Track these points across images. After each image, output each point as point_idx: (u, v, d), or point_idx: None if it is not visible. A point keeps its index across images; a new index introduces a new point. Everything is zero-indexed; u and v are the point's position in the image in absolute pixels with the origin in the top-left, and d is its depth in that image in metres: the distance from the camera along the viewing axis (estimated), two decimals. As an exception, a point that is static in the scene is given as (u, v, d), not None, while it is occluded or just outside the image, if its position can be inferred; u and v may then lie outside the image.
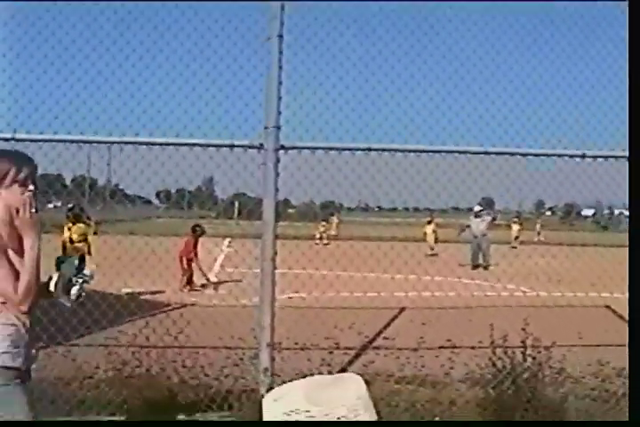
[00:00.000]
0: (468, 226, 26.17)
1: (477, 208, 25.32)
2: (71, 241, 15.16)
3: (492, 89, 7.76)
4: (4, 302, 3.77)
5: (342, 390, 2.66)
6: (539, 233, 44.31)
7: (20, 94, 6.83)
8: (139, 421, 6.67)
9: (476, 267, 25.26)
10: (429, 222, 30.56)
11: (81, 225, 15.53)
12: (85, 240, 15.48)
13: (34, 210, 3.82)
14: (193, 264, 18.24)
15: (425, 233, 30.79)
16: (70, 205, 16.28)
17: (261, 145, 6.58)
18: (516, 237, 38.55)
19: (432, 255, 28.55)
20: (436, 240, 30.66)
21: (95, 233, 16.35)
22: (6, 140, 6.58)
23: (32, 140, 6.66)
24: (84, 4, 6.95)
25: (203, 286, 18.34)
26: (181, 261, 17.94)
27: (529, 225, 43.91)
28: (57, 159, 6.93)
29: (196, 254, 18.32)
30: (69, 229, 15.44)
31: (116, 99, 6.92)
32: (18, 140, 6.60)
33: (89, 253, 15.28)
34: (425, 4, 7.47)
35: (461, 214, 26.42)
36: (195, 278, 18.36)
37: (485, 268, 25.01)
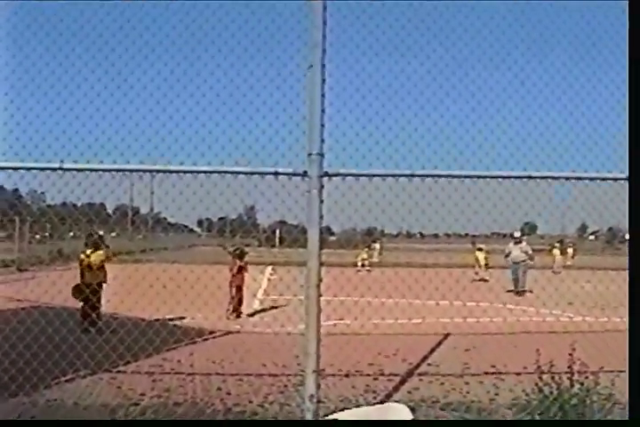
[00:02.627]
0: (510, 253, 26.00)
1: (517, 234, 25.14)
2: (90, 268, 14.92)
3: (535, 113, 7.75)
4: None
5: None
6: (567, 253, 43.16)
7: (67, 125, 6.93)
8: (139, 420, 6.68)
9: (518, 293, 24.99)
10: (480, 249, 30.51)
11: (100, 252, 15.21)
12: (103, 267, 15.13)
13: None
14: (242, 290, 18.20)
15: (477, 259, 30.69)
16: (89, 233, 16.11)
17: (305, 172, 6.60)
18: (565, 261, 38.41)
19: (480, 280, 28.51)
20: (487, 266, 30.47)
21: (108, 258, 15.71)
22: (54, 169, 6.67)
23: (78, 170, 6.74)
24: (132, 35, 7.04)
25: (250, 315, 18.28)
26: (230, 286, 17.88)
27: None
28: (103, 188, 7.01)
29: (242, 274, 18.28)
30: (88, 256, 15.18)
31: (162, 128, 7.00)
32: (65, 170, 6.69)
33: (105, 280, 15.06)
34: (468, 31, 7.48)
35: (505, 240, 26.25)
36: (242, 306, 18.25)
37: (520, 293, 24.68)
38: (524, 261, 25.51)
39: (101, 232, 16.60)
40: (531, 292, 24.49)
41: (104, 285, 14.79)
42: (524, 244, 25.89)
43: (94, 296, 13.45)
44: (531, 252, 25.94)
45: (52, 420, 6.63)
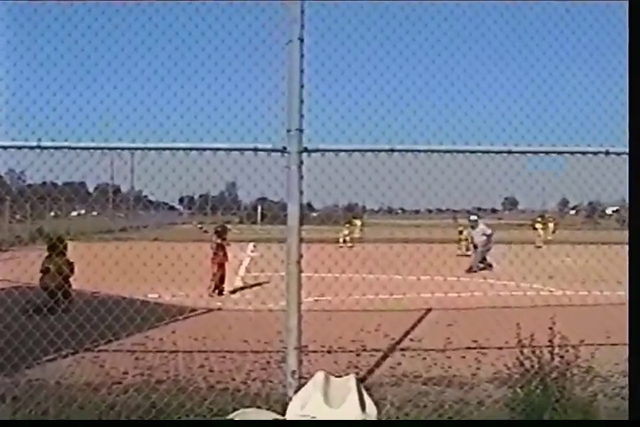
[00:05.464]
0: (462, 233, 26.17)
1: (472, 218, 25.09)
2: (48, 271, 14.09)
3: (515, 87, 7.74)
4: None
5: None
6: (553, 231, 43.59)
7: (44, 103, 6.86)
8: (139, 420, 6.69)
9: (469, 270, 24.81)
10: (461, 232, 30.65)
11: (56, 259, 14.33)
12: (65, 278, 13.75)
13: None
14: (224, 267, 18.20)
15: (460, 240, 30.86)
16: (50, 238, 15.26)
17: (284, 148, 6.58)
18: (546, 236, 38.75)
19: (462, 256, 28.65)
20: (468, 248, 30.61)
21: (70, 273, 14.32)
22: (32, 148, 6.63)
23: (57, 148, 6.70)
24: (108, 12, 6.98)
25: (232, 292, 18.27)
26: (212, 264, 17.90)
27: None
28: (82, 166, 6.97)
29: (224, 251, 18.29)
30: (47, 257, 14.46)
31: (140, 105, 6.95)
32: (43, 148, 6.65)
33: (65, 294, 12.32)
34: (447, 5, 7.45)
35: (486, 214, 26.24)
36: (224, 284, 18.24)
37: (472, 270, 24.60)
38: (485, 244, 25.38)
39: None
40: (488, 267, 24.56)
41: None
42: (481, 226, 25.78)
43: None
44: (489, 232, 25.78)
45: (51, 420, 6.61)
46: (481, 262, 25.28)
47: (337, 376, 3.06)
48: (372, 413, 2.83)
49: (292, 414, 2.79)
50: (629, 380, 4.51)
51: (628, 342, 5.03)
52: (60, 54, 7.01)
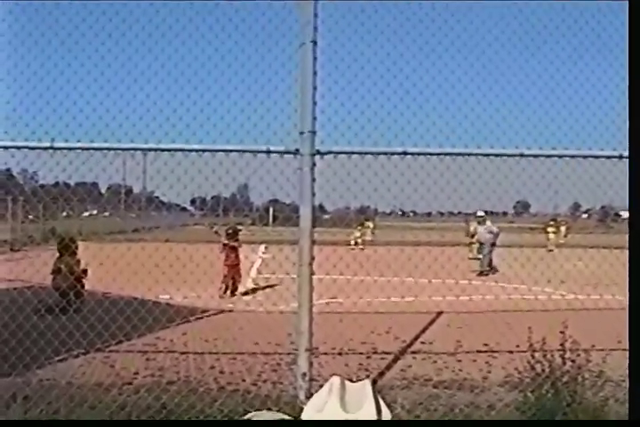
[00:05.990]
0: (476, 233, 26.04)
1: (480, 213, 24.86)
2: (59, 271, 13.91)
3: (528, 90, 7.73)
4: None
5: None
6: (565, 235, 43.62)
7: (57, 104, 6.88)
8: (149, 421, 6.69)
9: (481, 273, 24.63)
10: (472, 236, 30.55)
11: (67, 259, 14.18)
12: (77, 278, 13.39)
13: None
14: (236, 268, 18.15)
15: (470, 243, 30.77)
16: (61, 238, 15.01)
17: (297, 150, 6.59)
18: (558, 239, 38.70)
19: (474, 259, 28.49)
20: (479, 251, 30.53)
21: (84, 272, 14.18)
22: (45, 148, 6.65)
23: (70, 149, 6.73)
24: (122, 13, 6.99)
25: (244, 293, 18.22)
26: (225, 265, 17.83)
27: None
28: (94, 167, 6.99)
29: (236, 253, 18.30)
30: (59, 258, 14.33)
31: (153, 106, 6.96)
32: (56, 149, 6.67)
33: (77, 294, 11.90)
34: (460, 8, 7.44)
35: (497, 218, 26.13)
36: (238, 285, 18.24)
37: (485, 273, 24.51)
38: (491, 242, 25.29)
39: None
40: (484, 274, 24.45)
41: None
42: (488, 223, 25.68)
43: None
44: (496, 230, 25.69)
45: (62, 420, 6.62)
46: (488, 265, 25.18)
47: (349, 379, 3.04)
48: (387, 419, 2.83)
49: (307, 418, 2.78)
50: (629, 380, 4.48)
51: (628, 342, 5.00)
52: (74, 55, 7.05)
